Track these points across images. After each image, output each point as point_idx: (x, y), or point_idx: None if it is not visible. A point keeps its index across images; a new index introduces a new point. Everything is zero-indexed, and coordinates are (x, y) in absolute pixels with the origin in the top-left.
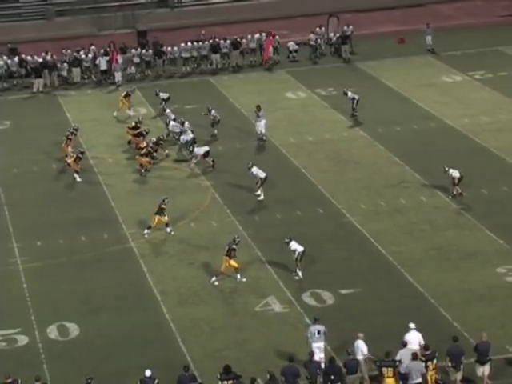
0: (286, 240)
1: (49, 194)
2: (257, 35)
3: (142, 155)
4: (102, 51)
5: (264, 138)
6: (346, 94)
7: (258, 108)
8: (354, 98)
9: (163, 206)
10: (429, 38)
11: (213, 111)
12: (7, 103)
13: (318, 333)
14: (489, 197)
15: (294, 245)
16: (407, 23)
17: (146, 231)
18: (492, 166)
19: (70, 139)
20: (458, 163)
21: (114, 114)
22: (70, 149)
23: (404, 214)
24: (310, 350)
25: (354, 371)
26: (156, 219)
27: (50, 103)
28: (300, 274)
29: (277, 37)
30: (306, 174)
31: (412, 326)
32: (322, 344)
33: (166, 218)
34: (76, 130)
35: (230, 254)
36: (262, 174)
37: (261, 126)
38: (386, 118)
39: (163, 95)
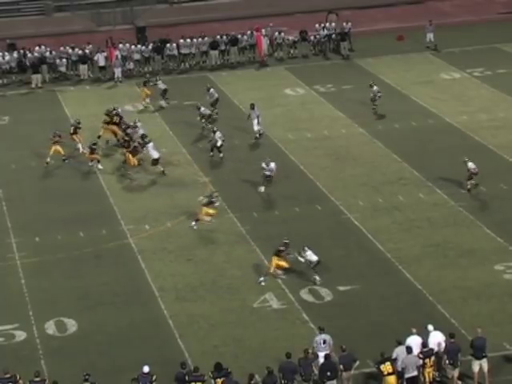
0: (304, 250)
1: (47, 190)
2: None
3: (131, 153)
4: (92, 46)
5: (260, 134)
6: (371, 86)
7: (252, 106)
8: (376, 93)
9: (213, 199)
10: (430, 36)
11: (212, 89)
12: (6, 99)
13: (324, 342)
14: (487, 194)
15: (309, 255)
16: (406, 20)
17: (193, 223)
18: (490, 164)
19: (77, 130)
20: (456, 160)
21: (142, 103)
22: (77, 137)
23: (402, 211)
24: (306, 348)
25: (348, 367)
26: (204, 211)
27: (49, 99)
28: (317, 277)
29: (282, 34)
30: (304, 170)
31: (431, 327)
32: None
33: (212, 211)
34: (78, 122)
35: (279, 254)
36: (270, 173)
37: (255, 123)
38: (384, 114)
39: (161, 85)
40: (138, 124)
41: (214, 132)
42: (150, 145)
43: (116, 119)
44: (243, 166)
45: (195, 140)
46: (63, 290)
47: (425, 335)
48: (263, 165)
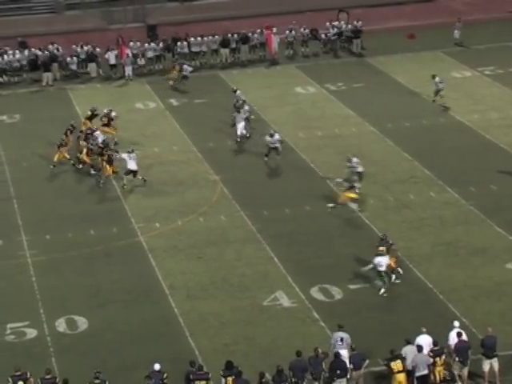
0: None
1: (58, 188)
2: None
3: (107, 162)
4: (91, 46)
5: (246, 137)
6: (433, 77)
7: (238, 110)
8: (438, 84)
9: (354, 184)
10: (457, 33)
11: (238, 92)
12: (17, 97)
13: (341, 340)
14: (498, 193)
15: (383, 260)
16: (417, 19)
17: (330, 205)
18: (501, 162)
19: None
20: (467, 159)
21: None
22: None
23: (413, 209)
24: (316, 346)
25: (358, 367)
26: (345, 196)
27: (60, 97)
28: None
29: (293, 32)
30: (314, 169)
31: (456, 324)
32: (344, 351)
33: (353, 195)
34: (73, 126)
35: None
36: (360, 168)
37: (240, 127)
38: (395, 113)
39: (185, 72)
40: (97, 132)
41: (272, 135)
42: (133, 155)
43: (105, 120)
44: (254, 164)
45: (206, 138)
46: (74, 287)
47: (449, 330)
48: (348, 164)
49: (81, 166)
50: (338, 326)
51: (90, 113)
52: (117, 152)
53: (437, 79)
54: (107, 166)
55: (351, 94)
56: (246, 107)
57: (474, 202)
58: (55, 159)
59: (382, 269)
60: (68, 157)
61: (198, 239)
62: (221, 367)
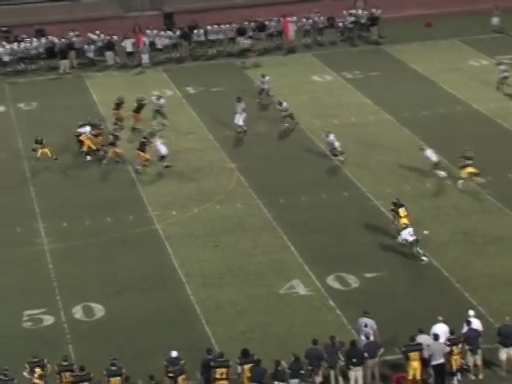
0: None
1: (75, 175)
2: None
3: (140, 149)
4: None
5: (245, 129)
6: (499, 64)
7: (239, 99)
8: (502, 72)
9: (468, 160)
10: (495, 20)
11: (284, 104)
12: (34, 84)
13: (365, 326)
14: None
15: (412, 229)
16: (434, 7)
17: (460, 181)
18: None
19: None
20: (484, 147)
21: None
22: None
23: (429, 198)
24: (332, 335)
25: (373, 355)
26: (465, 172)
27: (77, 85)
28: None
29: (310, 20)
30: (331, 157)
31: (471, 313)
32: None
33: (472, 169)
34: (99, 127)
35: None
36: (435, 158)
37: (241, 118)
38: (412, 101)
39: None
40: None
41: (327, 135)
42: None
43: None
44: (270, 152)
45: (223, 126)
46: (91, 275)
47: (465, 319)
48: (423, 154)
49: (89, 157)
50: (363, 312)
51: (135, 104)
52: (145, 140)
53: (502, 67)
54: (140, 154)
55: (368, 82)
56: (285, 104)
57: (491, 191)
58: (38, 155)
59: (414, 237)
60: (50, 155)
61: (214, 227)
62: (237, 355)
